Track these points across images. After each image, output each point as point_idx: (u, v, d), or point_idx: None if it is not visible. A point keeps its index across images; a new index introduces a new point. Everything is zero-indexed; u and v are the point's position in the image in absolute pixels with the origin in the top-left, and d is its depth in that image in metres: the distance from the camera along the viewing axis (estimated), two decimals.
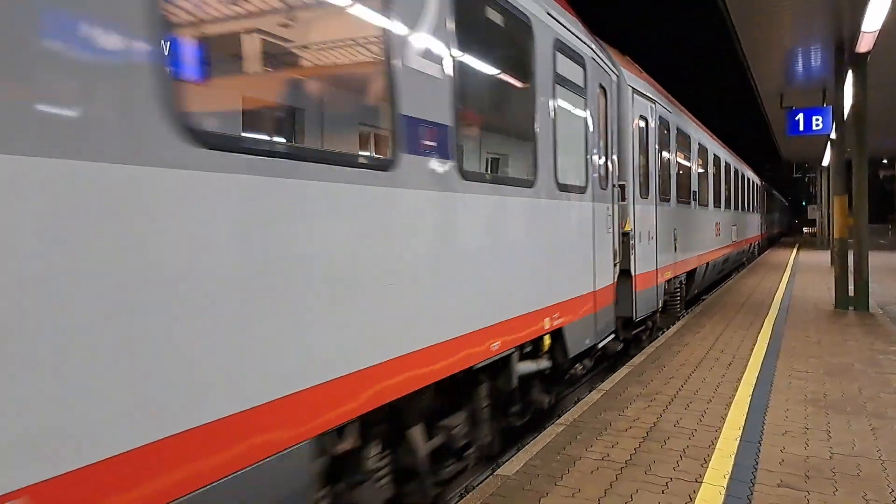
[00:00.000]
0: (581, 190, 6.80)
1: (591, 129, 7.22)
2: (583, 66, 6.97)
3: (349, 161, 3.55)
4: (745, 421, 5.59)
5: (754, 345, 8.89)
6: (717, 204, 17.01)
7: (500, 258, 5.01)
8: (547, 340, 5.99)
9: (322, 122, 4.88)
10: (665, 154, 11.28)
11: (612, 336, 7.92)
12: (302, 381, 3.00)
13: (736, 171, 21.41)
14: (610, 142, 8.13)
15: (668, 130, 11.56)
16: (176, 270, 2.43)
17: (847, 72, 12.42)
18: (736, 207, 21.26)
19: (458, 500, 4.60)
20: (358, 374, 3.35)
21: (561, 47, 6.23)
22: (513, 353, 5.28)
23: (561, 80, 6.25)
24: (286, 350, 2.93)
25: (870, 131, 12.85)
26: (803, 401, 6.17)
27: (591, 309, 6.99)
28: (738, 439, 5.14)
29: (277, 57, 4.50)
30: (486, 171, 6.01)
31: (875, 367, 7.44)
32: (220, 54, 4.34)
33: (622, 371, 7.56)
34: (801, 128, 15.34)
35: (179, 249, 2.44)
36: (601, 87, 7.74)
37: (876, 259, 23.38)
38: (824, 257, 26.54)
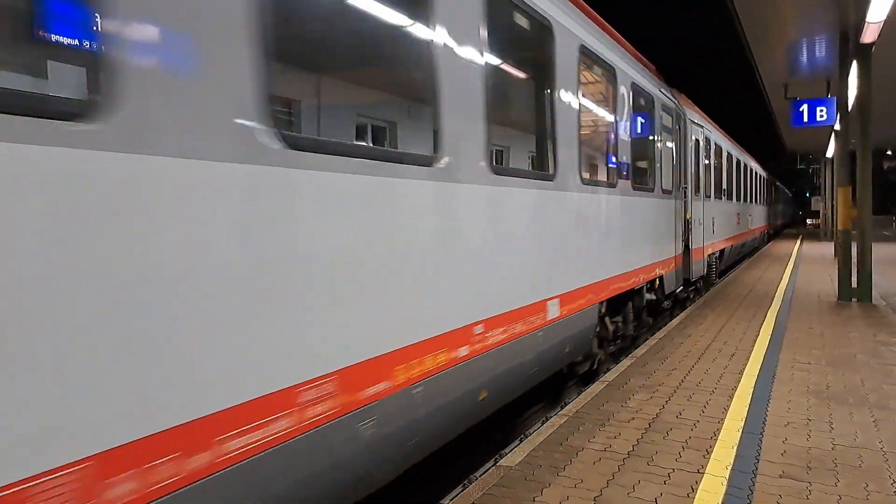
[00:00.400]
0: (670, 193, 10.84)
1: (673, 152, 11.34)
2: (672, 115, 11.18)
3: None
4: (748, 412, 5.61)
5: (757, 336, 8.89)
6: (738, 198, 20.96)
7: (639, 232, 8.73)
8: (656, 283, 9.91)
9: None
10: (707, 162, 14.80)
11: (681, 287, 11.89)
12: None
13: (748, 168, 24.96)
14: (679, 158, 11.82)
15: (709, 146, 15.26)
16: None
17: (852, 62, 12.35)
18: (749, 200, 25.09)
19: (462, 492, 4.62)
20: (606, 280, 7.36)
21: (664, 107, 10.51)
22: (644, 286, 9.25)
23: (663, 129, 10.48)
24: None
25: (874, 122, 12.80)
26: (806, 392, 6.18)
27: (674, 267, 10.99)
28: (741, 430, 5.15)
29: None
30: (635, 182, 8.74)
31: (877, 359, 7.44)
32: None
33: (625, 362, 7.58)
34: (806, 119, 15.27)
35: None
36: (675, 124, 11.50)
37: (879, 251, 23.33)
38: (828, 249, 26.50)
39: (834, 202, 17.70)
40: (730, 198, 18.81)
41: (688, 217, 12.02)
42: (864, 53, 11.80)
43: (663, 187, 10.25)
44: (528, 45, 5.91)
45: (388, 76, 6.18)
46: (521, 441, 6.31)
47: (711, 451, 4.72)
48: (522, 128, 7.81)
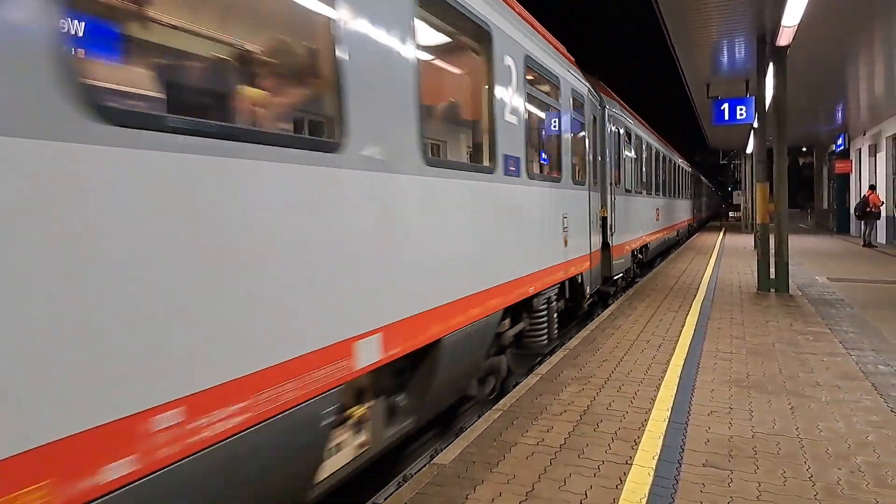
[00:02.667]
0: (583, 184, 9.92)
1: (587, 142, 10.53)
2: (585, 102, 10.23)
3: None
4: (674, 402, 5.80)
5: (683, 326, 9.20)
6: (662, 192, 21.04)
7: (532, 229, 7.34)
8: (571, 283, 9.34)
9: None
10: (628, 155, 14.59)
11: (599, 286, 11.43)
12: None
13: (672, 163, 25.11)
14: (595, 149, 11.32)
15: (630, 138, 14.95)
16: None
17: (768, 64, 12.89)
18: (673, 195, 25.17)
19: (395, 490, 4.62)
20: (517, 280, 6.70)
21: (574, 92, 9.54)
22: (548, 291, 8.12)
23: (573, 115, 9.46)
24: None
25: (790, 121, 13.38)
26: (728, 381, 6.43)
27: (590, 266, 10.16)
28: (667, 420, 5.32)
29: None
30: (539, 173, 8.18)
31: (794, 347, 7.80)
32: None
33: (558, 354, 7.72)
34: (727, 117, 15.83)
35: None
36: (591, 113, 10.85)
37: (796, 243, 24.44)
38: (748, 241, 27.58)
39: (754, 196, 18.46)
40: (654, 192, 18.93)
41: (604, 214, 11.60)
42: (779, 56, 12.32)
43: (574, 178, 9.23)
44: None
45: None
46: (456, 437, 6.35)
47: (639, 442, 4.87)
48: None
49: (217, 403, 2.79)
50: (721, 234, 36.42)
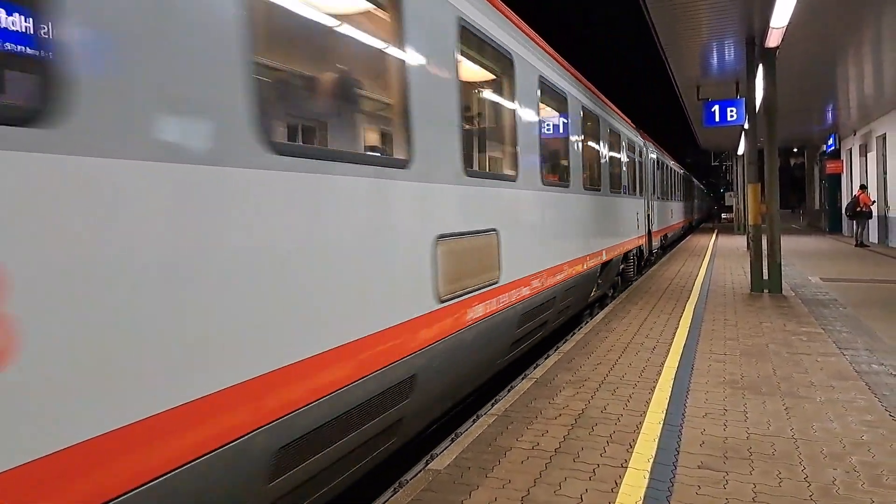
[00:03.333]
0: (640, 195, 17.39)
1: (641, 170, 18.15)
2: (639, 147, 17.73)
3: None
4: (668, 404, 5.79)
5: (676, 329, 9.20)
6: (670, 198, 27.76)
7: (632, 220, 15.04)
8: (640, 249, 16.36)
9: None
10: (655, 174, 21.73)
11: (650, 253, 19.37)
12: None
13: (673, 171, 30.65)
14: (643, 174, 18.56)
15: (657, 163, 22.28)
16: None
17: (758, 66, 12.95)
18: (676, 199, 31.43)
19: (391, 497, 4.60)
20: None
21: (636, 144, 17.36)
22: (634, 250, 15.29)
23: (639, 157, 17.53)
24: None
25: (780, 122, 13.41)
26: (722, 383, 6.43)
27: (646, 241, 17.92)
28: (662, 423, 5.32)
29: None
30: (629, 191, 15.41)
31: (788, 348, 7.81)
32: None
33: (552, 358, 7.71)
34: (717, 119, 15.89)
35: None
36: (641, 152, 18.15)
37: (789, 243, 24.53)
38: (741, 242, 27.66)
39: (745, 197, 18.59)
40: (666, 198, 25.76)
41: (649, 212, 19.03)
42: (768, 57, 12.37)
43: (637, 192, 17.07)
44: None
45: None
46: (451, 442, 6.34)
47: (634, 445, 4.85)
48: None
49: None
50: (714, 235, 36.52)
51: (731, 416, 5.43)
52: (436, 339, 4.87)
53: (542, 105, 8.32)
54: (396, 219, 4.45)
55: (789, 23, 10.76)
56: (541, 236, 7.93)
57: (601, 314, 10.88)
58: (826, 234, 32.10)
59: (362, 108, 5.44)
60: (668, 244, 27.02)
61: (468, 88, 6.62)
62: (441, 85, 5.24)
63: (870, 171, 26.15)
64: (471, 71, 6.51)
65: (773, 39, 11.59)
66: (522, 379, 7.77)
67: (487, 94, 7.44)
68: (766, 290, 12.68)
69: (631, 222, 15.40)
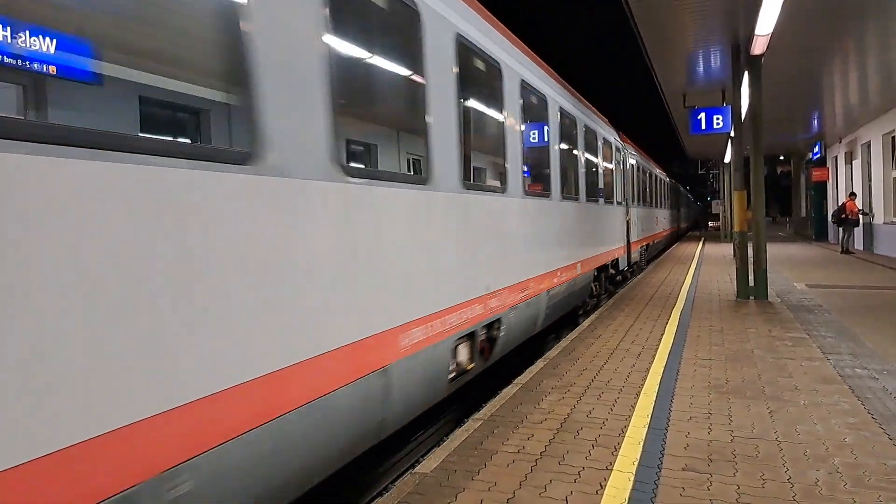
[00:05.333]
0: (621, 203, 16.86)
1: (620, 175, 17.27)
2: (620, 151, 17.29)
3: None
4: (653, 409, 5.81)
5: (662, 335, 9.24)
6: (653, 205, 26.34)
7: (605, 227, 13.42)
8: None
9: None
10: (635, 180, 20.58)
11: (626, 266, 17.55)
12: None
13: (658, 179, 29.91)
14: (623, 179, 17.63)
15: (637, 169, 21.14)
16: None
17: (743, 73, 13.06)
18: (660, 206, 30.35)
19: (378, 499, 4.58)
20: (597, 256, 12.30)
21: (616, 147, 16.62)
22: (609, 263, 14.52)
23: (616, 162, 16.82)
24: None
25: (767, 129, 13.55)
26: (707, 387, 6.46)
27: (623, 252, 16.69)
28: (646, 427, 5.33)
29: None
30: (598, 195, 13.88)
31: (773, 353, 7.85)
32: None
33: (538, 364, 7.72)
34: (704, 126, 15.99)
35: None
36: (621, 156, 17.37)
37: (775, 251, 24.69)
38: (727, 249, 27.83)
39: (732, 205, 18.72)
40: (649, 205, 24.58)
41: (628, 220, 17.69)
42: (754, 64, 12.49)
43: (616, 199, 16.01)
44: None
45: None
46: (437, 445, 6.32)
47: (619, 448, 4.86)
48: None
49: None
50: (700, 243, 36.72)
51: (715, 420, 5.46)
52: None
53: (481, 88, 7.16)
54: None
55: (774, 30, 10.87)
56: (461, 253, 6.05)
57: (587, 321, 10.91)
58: (812, 241, 32.35)
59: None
60: (652, 256, 25.50)
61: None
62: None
63: (855, 179, 26.39)
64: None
65: (758, 47, 11.70)
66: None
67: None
68: (752, 297, 12.76)
69: (604, 232, 13.73)
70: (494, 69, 7.26)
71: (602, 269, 13.70)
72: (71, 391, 2.41)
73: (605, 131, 14.99)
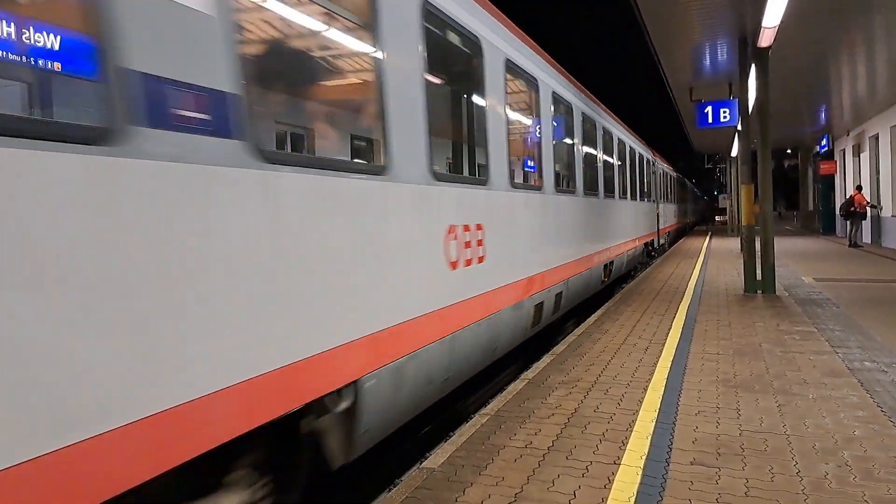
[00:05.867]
0: (654, 200, 23.14)
1: (655, 180, 24.73)
2: (652, 164, 23.68)
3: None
4: (661, 403, 5.80)
5: (669, 329, 9.21)
6: (670, 201, 32.62)
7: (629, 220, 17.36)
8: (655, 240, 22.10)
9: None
10: (661, 183, 27.08)
11: (662, 244, 24.70)
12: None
13: (672, 178, 34.47)
14: (655, 183, 23.70)
15: (663, 175, 27.99)
16: None
17: (750, 66, 12.99)
18: (676, 202, 36.19)
19: (386, 495, 4.59)
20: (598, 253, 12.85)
21: (652, 162, 24.30)
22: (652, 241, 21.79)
23: (652, 172, 23.82)
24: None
25: (774, 123, 13.49)
26: (715, 381, 6.44)
27: (658, 234, 23.90)
28: (654, 421, 5.32)
29: None
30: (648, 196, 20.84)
31: (781, 347, 7.82)
32: None
33: (545, 359, 7.71)
34: (710, 120, 15.95)
35: None
36: (651, 167, 22.43)
37: (783, 244, 24.59)
38: (734, 244, 27.73)
39: (739, 199, 18.73)
40: (669, 201, 31.10)
41: (658, 213, 23.95)
42: (761, 57, 12.41)
43: (651, 197, 22.05)
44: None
45: None
46: (445, 441, 6.32)
47: (627, 443, 4.86)
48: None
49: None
50: (707, 238, 36.61)
51: (723, 414, 5.44)
52: None
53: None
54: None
55: (781, 23, 10.80)
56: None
57: (594, 316, 10.89)
58: (820, 234, 32.21)
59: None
60: (668, 242, 30.95)
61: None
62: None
63: (863, 172, 26.25)
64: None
65: (765, 39, 11.63)
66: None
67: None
68: (759, 291, 12.71)
69: (649, 221, 21.75)
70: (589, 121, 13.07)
71: (648, 243, 21.17)
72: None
73: (645, 151, 21.54)
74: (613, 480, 4.18)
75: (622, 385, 6.46)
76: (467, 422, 6.29)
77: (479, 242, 6.17)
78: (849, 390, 5.94)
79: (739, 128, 14.47)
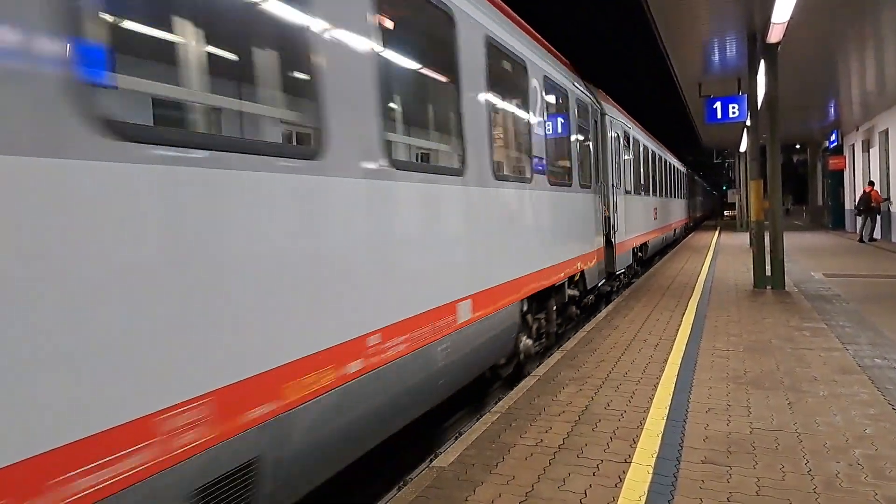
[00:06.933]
0: (589, 187, 11.10)
1: (591, 147, 11.72)
2: (589, 110, 11.63)
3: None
4: (672, 400, 5.80)
5: (679, 325, 9.20)
6: (658, 193, 22.55)
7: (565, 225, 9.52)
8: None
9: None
10: (627, 158, 15.29)
11: (604, 280, 12.40)
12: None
13: (668, 164, 26.73)
14: (598, 154, 12.18)
15: (629, 142, 15.85)
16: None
17: (759, 61, 12.93)
18: (669, 195, 26.68)
19: (395, 495, 4.62)
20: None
21: (579, 102, 10.85)
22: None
23: (579, 124, 10.93)
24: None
25: (783, 118, 13.41)
26: (725, 378, 6.43)
27: (596, 261, 11.37)
28: (665, 418, 5.32)
29: None
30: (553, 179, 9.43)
31: (790, 343, 7.81)
32: None
33: (556, 356, 7.72)
34: (719, 115, 15.87)
35: None
36: (592, 118, 11.92)
37: (792, 240, 24.48)
38: (743, 239, 27.63)
39: (748, 194, 18.64)
40: (651, 192, 20.11)
41: (606, 213, 12.30)
42: (770, 52, 12.36)
43: (581, 182, 10.38)
44: None
45: None
46: (455, 439, 6.35)
47: (638, 441, 4.86)
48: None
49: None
50: (716, 233, 36.48)
51: (734, 411, 5.44)
52: None
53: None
54: None
55: (791, 18, 10.75)
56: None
57: (604, 312, 10.88)
58: (829, 230, 32.06)
59: None
60: (657, 252, 21.96)
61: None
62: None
63: (872, 167, 26.09)
64: None
65: (774, 35, 11.58)
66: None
67: None
68: (768, 287, 12.67)
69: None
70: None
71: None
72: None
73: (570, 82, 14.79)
74: (624, 479, 4.19)
75: (633, 382, 6.46)
76: (478, 419, 6.31)
77: None
78: (859, 387, 5.93)
79: (748, 123, 14.38)
